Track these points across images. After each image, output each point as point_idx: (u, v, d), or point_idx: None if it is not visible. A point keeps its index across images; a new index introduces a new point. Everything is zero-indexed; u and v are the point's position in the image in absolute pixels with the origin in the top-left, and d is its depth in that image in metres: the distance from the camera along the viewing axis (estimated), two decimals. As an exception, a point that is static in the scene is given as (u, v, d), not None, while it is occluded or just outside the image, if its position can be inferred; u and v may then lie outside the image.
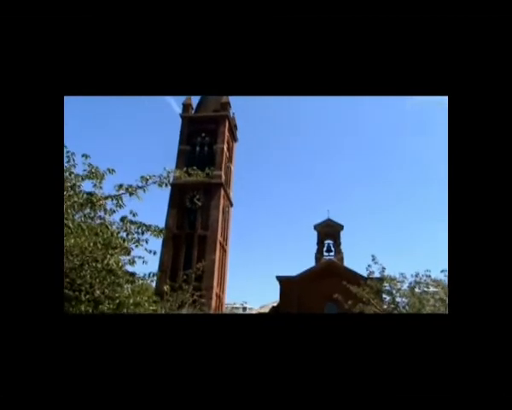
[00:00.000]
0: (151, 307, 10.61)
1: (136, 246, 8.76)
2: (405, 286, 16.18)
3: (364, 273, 19.80)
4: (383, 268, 16.28)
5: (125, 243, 8.40)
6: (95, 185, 7.06)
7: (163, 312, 15.73)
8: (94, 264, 7.95)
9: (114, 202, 7.27)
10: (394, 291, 16.39)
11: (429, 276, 15.71)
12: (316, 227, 36.37)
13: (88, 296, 8.31)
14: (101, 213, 7.27)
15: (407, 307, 15.75)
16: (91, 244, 7.61)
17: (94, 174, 6.82)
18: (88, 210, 7.01)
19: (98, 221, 7.46)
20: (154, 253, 8.82)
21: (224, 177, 37.19)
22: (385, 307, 16.63)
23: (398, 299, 16.64)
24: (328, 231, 35.76)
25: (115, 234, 7.98)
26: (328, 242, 35.86)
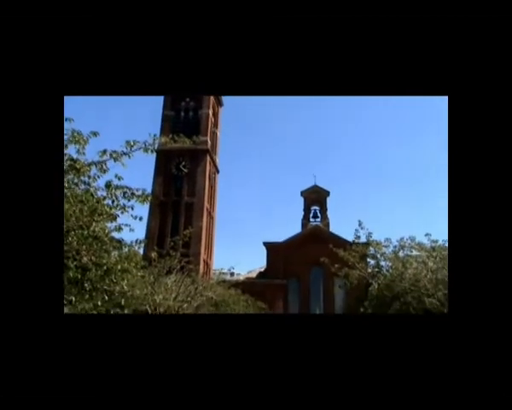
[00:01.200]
0: (139, 273, 10.64)
1: (122, 213, 8.68)
2: (390, 250, 16.56)
3: (350, 239, 20.20)
4: (369, 233, 16.58)
5: (111, 210, 8.32)
6: (78, 151, 6.86)
7: (151, 278, 15.85)
8: (80, 231, 7.86)
9: (99, 167, 7.10)
10: (379, 255, 16.79)
11: (413, 240, 16.08)
12: (302, 193, 36.57)
13: (75, 263, 8.27)
14: (86, 179, 7.11)
15: (390, 271, 16.19)
16: (77, 211, 7.50)
17: (77, 139, 6.61)
18: (71, 176, 6.84)
19: (83, 187, 7.30)
20: (140, 218, 8.76)
21: (209, 143, 36.71)
22: (369, 270, 17.06)
23: (382, 263, 17.06)
24: (315, 198, 36.04)
25: (100, 201, 7.87)
26: (315, 208, 36.22)
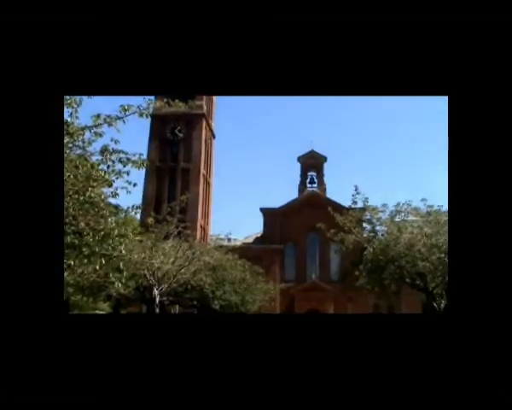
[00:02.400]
0: (136, 238, 10.69)
1: (117, 178, 8.61)
2: (386, 215, 16.68)
3: (346, 205, 20.28)
4: (366, 199, 16.64)
5: (106, 176, 8.25)
6: (71, 115, 6.71)
7: (149, 243, 15.97)
8: (76, 196, 7.82)
9: (93, 131, 6.98)
10: (375, 220, 16.92)
11: (410, 205, 16.17)
12: (299, 159, 36.38)
13: (73, 228, 8.29)
14: (80, 143, 7.00)
15: (386, 235, 16.37)
16: (71, 176, 7.44)
17: (69, 102, 6.45)
18: (65, 140, 6.73)
19: (78, 151, 7.20)
20: (135, 184, 8.70)
21: (205, 107, 36.07)
22: (365, 235, 17.25)
23: (377, 228, 17.22)
24: (312, 163, 35.90)
25: (95, 166, 7.79)
26: (312, 173, 36.16)
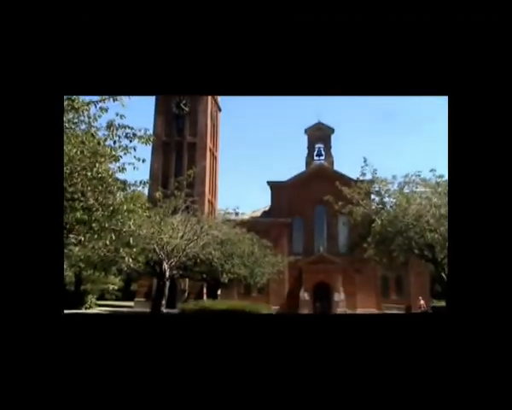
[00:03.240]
0: (145, 214, 10.77)
1: (125, 154, 8.60)
2: (395, 187, 16.55)
3: (354, 177, 20.11)
4: (375, 170, 16.49)
5: (113, 151, 8.24)
6: (75, 89, 6.65)
7: (157, 218, 16.10)
8: (84, 172, 7.84)
9: (98, 106, 6.93)
10: (383, 192, 16.81)
11: (419, 176, 16.00)
12: (306, 131, 35.94)
13: (82, 204, 8.36)
14: (85, 118, 6.96)
15: (394, 207, 16.29)
16: (78, 152, 7.44)
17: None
18: (71, 115, 6.69)
19: (83, 127, 7.18)
20: (143, 160, 8.69)
21: (210, 80, 35.48)
22: (373, 207, 17.19)
23: (386, 199, 17.12)
24: (319, 135, 35.47)
25: (102, 142, 7.77)
26: (319, 146, 35.76)
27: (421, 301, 24.76)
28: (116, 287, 50.66)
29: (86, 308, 28.53)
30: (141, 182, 9.74)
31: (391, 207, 16.59)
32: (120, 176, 9.04)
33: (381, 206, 17.00)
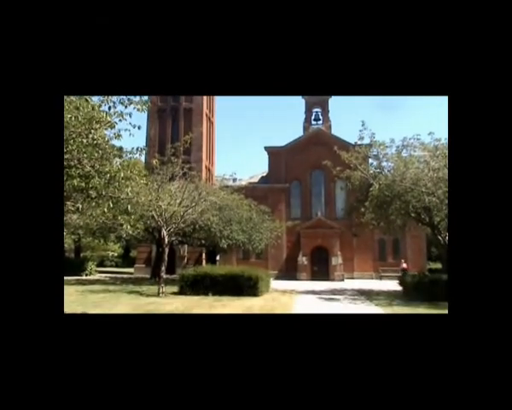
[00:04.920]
0: (142, 181, 10.73)
1: (120, 120, 8.46)
2: (393, 150, 16.47)
3: (352, 141, 19.94)
4: (373, 134, 16.36)
5: (108, 117, 8.09)
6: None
7: (155, 184, 16.06)
8: (79, 139, 7.73)
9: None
10: (381, 156, 16.75)
11: (418, 139, 15.90)
12: (303, 95, 35.33)
13: (78, 172, 8.29)
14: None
15: (392, 171, 16.29)
16: (73, 119, 7.31)
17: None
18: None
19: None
20: (139, 127, 8.56)
21: (205, 43, 34.47)
22: (371, 171, 17.16)
23: (384, 163, 17.08)
24: (316, 99, 34.88)
25: (96, 107, 7.62)
26: (316, 110, 35.25)
27: (404, 265, 25.30)
28: (115, 254, 51.25)
29: (86, 275, 28.93)
30: (137, 149, 9.64)
31: (389, 171, 16.58)
32: (116, 143, 8.94)
33: (378, 170, 17.00)
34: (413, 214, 15.49)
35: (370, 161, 18.03)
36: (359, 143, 16.94)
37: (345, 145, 21.43)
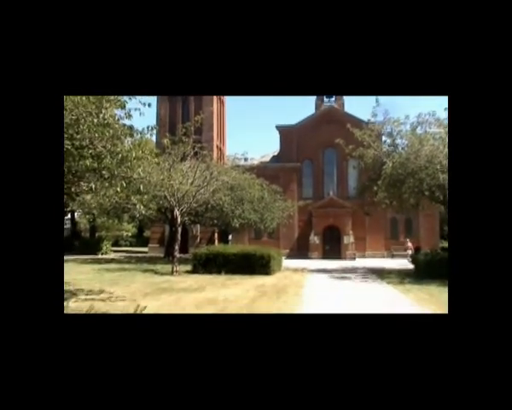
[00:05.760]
0: (154, 161, 10.75)
1: (130, 99, 8.45)
2: (407, 127, 16.14)
3: (365, 119, 19.56)
4: (386, 111, 16.03)
5: (118, 96, 8.07)
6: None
7: (166, 164, 16.10)
8: (90, 118, 7.74)
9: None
10: (395, 133, 16.44)
11: (434, 115, 15.51)
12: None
13: (90, 152, 8.35)
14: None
15: (406, 149, 15.99)
16: (83, 98, 7.31)
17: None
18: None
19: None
20: (149, 105, 8.53)
21: (215, 19, 33.89)
22: (384, 149, 16.89)
23: (398, 141, 16.78)
24: (329, 76, 34.16)
25: (106, 87, 7.59)
26: (329, 87, 34.56)
27: (409, 244, 24.99)
28: (130, 234, 52.04)
29: (102, 254, 29.50)
30: (148, 128, 9.64)
31: (402, 148, 16.29)
32: (127, 122, 8.93)
33: (392, 148, 16.71)
34: (427, 193, 15.25)
35: (384, 138, 17.74)
36: (373, 120, 16.64)
37: (358, 123, 21.06)
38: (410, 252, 24.06)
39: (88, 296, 9.65)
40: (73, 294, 10.08)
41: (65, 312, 3.51)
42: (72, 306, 4.22)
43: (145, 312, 3.65)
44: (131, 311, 3.62)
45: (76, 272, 16.10)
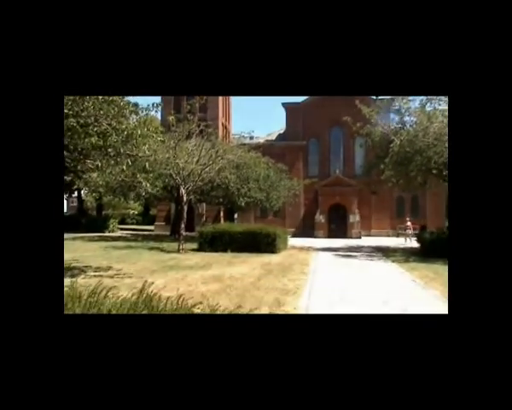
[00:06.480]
0: (159, 138, 10.71)
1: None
2: (416, 104, 15.87)
3: (373, 96, 19.18)
4: (395, 87, 15.69)
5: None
6: None
7: (172, 142, 16.03)
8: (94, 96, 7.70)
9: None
10: (403, 110, 16.18)
11: (443, 91, 15.19)
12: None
13: (96, 129, 8.33)
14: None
15: (414, 126, 15.75)
16: (88, 74, 7.24)
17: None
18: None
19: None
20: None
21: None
22: (392, 127, 16.65)
23: (406, 118, 16.54)
24: (337, 52, 33.51)
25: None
26: (336, 63, 33.96)
27: (408, 223, 24.64)
28: (136, 212, 52.40)
29: (109, 232, 29.80)
30: (153, 105, 9.58)
31: (411, 126, 16.05)
32: (132, 99, 8.87)
33: (400, 125, 16.47)
34: (434, 171, 15.10)
35: (392, 116, 17.48)
36: (381, 97, 16.35)
37: (366, 100, 20.74)
38: (409, 232, 23.84)
39: (96, 273, 9.80)
40: (82, 270, 10.23)
41: (74, 286, 3.54)
42: (81, 282, 4.27)
43: (152, 288, 3.67)
44: (139, 287, 3.64)
45: (84, 250, 16.30)
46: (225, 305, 4.76)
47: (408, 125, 16.25)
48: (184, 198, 16.39)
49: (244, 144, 24.08)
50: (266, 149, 27.86)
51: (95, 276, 9.08)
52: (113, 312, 3.14)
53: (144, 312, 3.16)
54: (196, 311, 3.38)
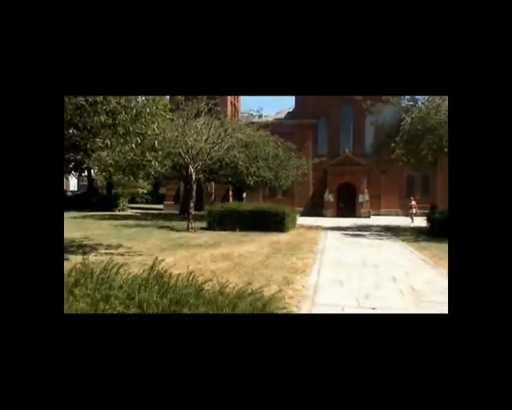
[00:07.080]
0: (168, 117, 10.65)
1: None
2: (428, 80, 15.49)
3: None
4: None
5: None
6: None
7: (180, 121, 15.97)
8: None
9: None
10: (415, 87, 15.83)
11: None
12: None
13: (105, 108, 8.32)
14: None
15: (426, 103, 15.46)
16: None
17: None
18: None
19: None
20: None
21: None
22: (403, 105, 16.37)
23: (417, 96, 16.20)
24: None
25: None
26: (347, 39, 33.22)
27: (412, 202, 24.30)
28: (145, 191, 52.76)
29: (119, 210, 30.12)
30: (161, 83, 9.49)
31: (422, 103, 15.75)
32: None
33: (412, 103, 16.18)
34: (446, 149, 14.87)
35: (403, 93, 17.10)
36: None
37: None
38: (414, 211, 23.66)
39: (107, 251, 9.96)
40: (93, 248, 10.41)
41: (86, 262, 3.60)
42: (93, 259, 4.35)
43: (162, 265, 3.72)
44: (149, 264, 3.70)
45: (94, 228, 16.53)
46: (235, 282, 4.83)
47: (420, 103, 15.95)
48: (193, 177, 16.43)
49: (253, 123, 23.90)
50: (275, 127, 27.64)
51: (106, 253, 9.23)
52: (125, 288, 3.20)
53: (155, 288, 3.21)
54: (206, 288, 3.42)
